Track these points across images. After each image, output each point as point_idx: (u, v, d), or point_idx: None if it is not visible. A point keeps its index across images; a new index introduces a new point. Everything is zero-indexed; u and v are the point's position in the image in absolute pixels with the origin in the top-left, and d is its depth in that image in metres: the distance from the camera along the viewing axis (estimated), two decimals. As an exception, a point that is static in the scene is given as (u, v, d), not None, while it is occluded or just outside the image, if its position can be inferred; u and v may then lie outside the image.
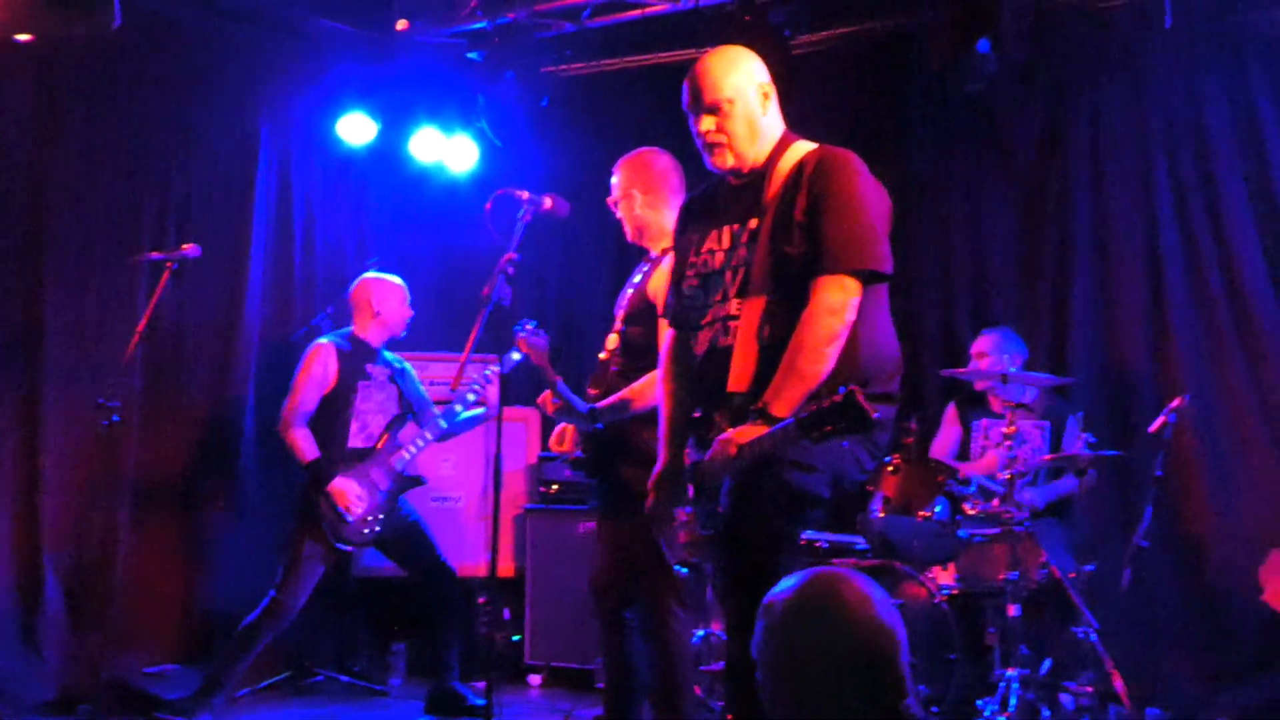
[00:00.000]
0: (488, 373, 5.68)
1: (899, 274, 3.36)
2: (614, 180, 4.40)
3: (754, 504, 3.19)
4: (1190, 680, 5.75)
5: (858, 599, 2.39)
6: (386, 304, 5.89)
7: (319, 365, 5.73)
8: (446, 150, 7.04)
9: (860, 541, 5.62)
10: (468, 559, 6.66)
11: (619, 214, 4.41)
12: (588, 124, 7.39)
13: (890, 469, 5.44)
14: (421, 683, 6.15)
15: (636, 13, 6.48)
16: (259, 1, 6.62)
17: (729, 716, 3.32)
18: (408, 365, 6.05)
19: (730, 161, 3.44)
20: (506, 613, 6.81)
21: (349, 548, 5.67)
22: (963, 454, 6.01)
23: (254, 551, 6.38)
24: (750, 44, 3.87)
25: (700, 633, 5.14)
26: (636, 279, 4.31)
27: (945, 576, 5.49)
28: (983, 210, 6.72)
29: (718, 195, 3.57)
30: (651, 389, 3.94)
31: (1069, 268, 6.39)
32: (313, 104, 6.91)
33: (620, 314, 4.31)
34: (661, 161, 4.36)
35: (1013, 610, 5.05)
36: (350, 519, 5.57)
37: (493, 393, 5.70)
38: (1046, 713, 5.07)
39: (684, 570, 4.17)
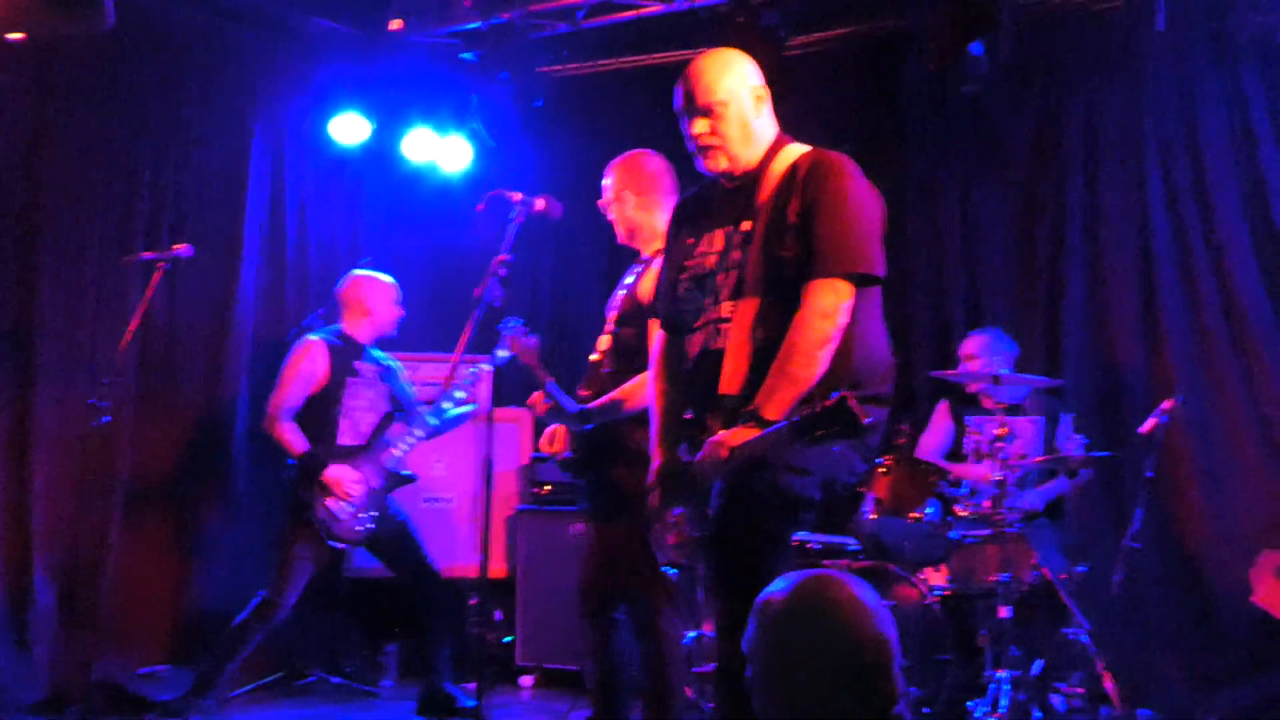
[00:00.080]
0: (475, 371, 5.67)
1: (892, 276, 3.36)
2: (606, 182, 4.40)
3: (745, 506, 3.19)
4: (1181, 681, 5.76)
5: (853, 603, 2.40)
6: (377, 302, 5.88)
7: (308, 362, 5.71)
8: (440, 150, 7.03)
9: (852, 543, 5.63)
10: (460, 560, 6.65)
11: (611, 216, 4.42)
12: (582, 125, 7.39)
13: (882, 470, 5.44)
14: (413, 684, 6.14)
15: (631, 14, 6.48)
16: (252, 1, 6.61)
17: (720, 717, 3.32)
18: (395, 364, 6.03)
19: (723, 164, 3.44)
20: (498, 614, 6.81)
21: (342, 545, 5.65)
22: (955, 452, 6.02)
23: (246, 551, 6.38)
24: (744, 45, 3.88)
25: (691, 634, 5.14)
26: (628, 281, 4.32)
27: (937, 578, 5.49)
28: (977, 212, 6.73)
29: (711, 198, 3.57)
30: (642, 390, 3.94)
31: (1062, 269, 6.40)
32: (306, 103, 6.89)
33: (612, 315, 4.32)
34: (654, 164, 4.36)
35: (1004, 611, 5.05)
36: (343, 515, 5.56)
37: (482, 391, 5.70)
38: (1038, 714, 5.08)
39: (674, 572, 4.19)
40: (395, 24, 6.59)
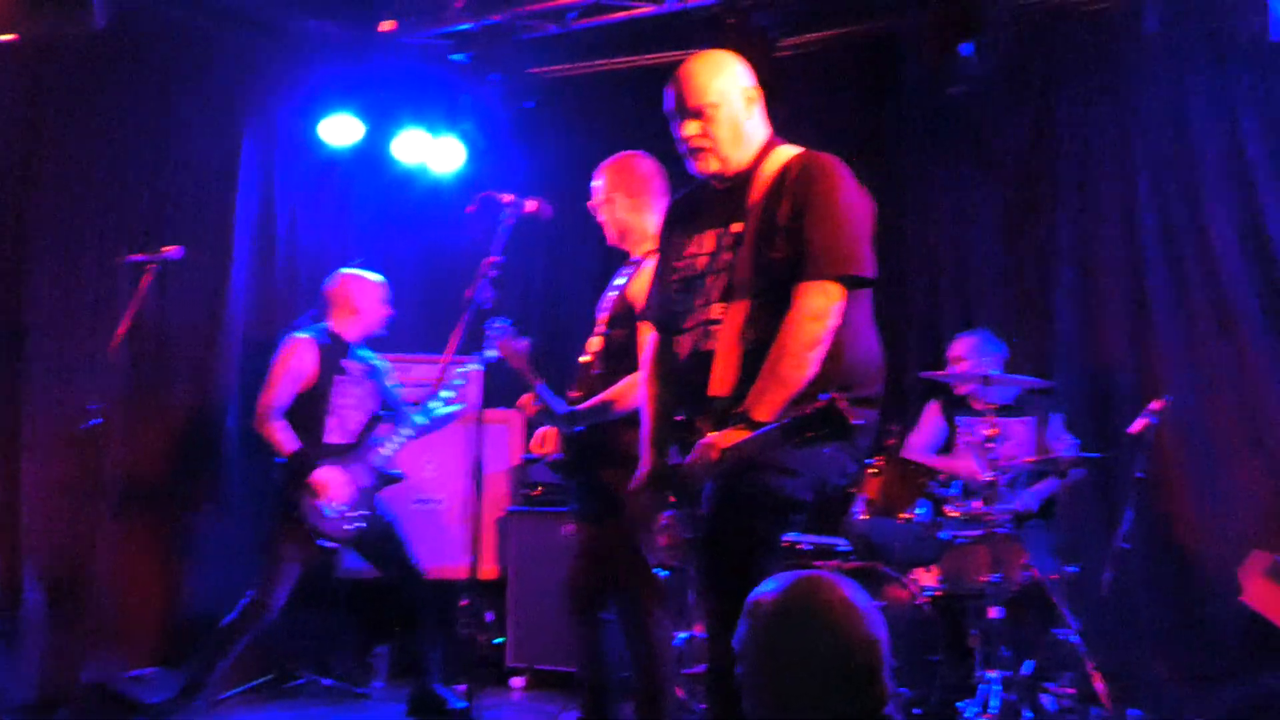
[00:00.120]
0: (465, 372, 5.66)
1: (883, 277, 3.37)
2: (597, 184, 4.41)
3: (735, 508, 3.19)
4: (1171, 681, 5.77)
5: (843, 604, 2.41)
6: (365, 301, 5.87)
7: (296, 359, 5.70)
8: (431, 152, 7.02)
9: (843, 543, 5.64)
10: (450, 561, 6.64)
11: (602, 217, 4.42)
12: (573, 126, 7.40)
13: (873, 471, 5.46)
14: (404, 685, 6.12)
15: (621, 15, 6.48)
16: (243, 2, 6.60)
17: (710, 718, 3.32)
18: (381, 363, 6.02)
19: (714, 166, 3.44)
20: (489, 615, 6.80)
21: (331, 544, 5.64)
22: (946, 451, 6.03)
23: (236, 553, 6.35)
24: (735, 46, 3.88)
25: (682, 635, 5.15)
26: (619, 282, 4.32)
27: (928, 578, 5.50)
28: (967, 213, 6.75)
29: (702, 199, 3.57)
30: (633, 391, 3.95)
31: (1052, 270, 6.42)
32: (296, 105, 6.88)
33: (602, 317, 4.32)
34: (644, 165, 4.36)
35: (994, 612, 5.06)
36: (331, 514, 5.55)
37: (470, 392, 5.69)
38: (1028, 714, 5.09)
39: (665, 573, 4.19)
40: (386, 25, 6.59)
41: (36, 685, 5.67)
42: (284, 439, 5.57)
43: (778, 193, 3.31)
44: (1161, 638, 5.88)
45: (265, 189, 6.95)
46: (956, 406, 6.06)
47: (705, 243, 3.46)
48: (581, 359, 4.37)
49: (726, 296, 3.33)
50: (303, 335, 5.78)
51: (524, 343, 4.25)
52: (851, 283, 3.24)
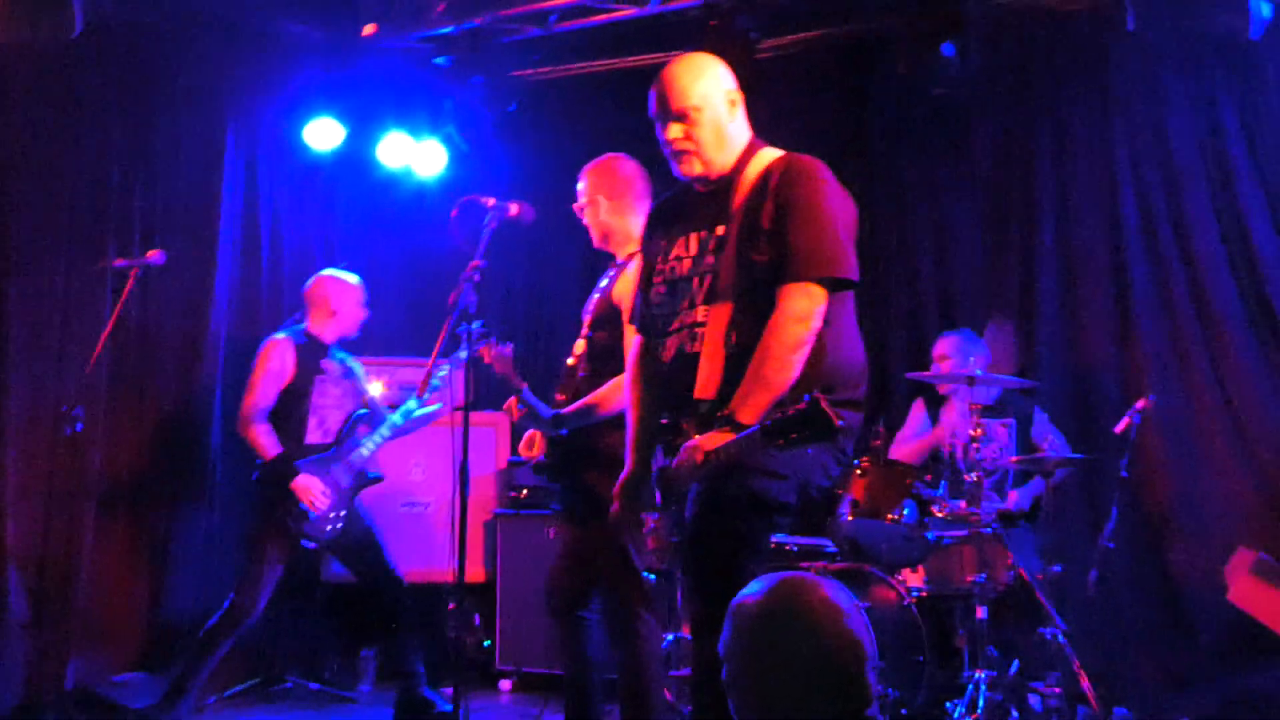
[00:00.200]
0: (443, 374, 5.65)
1: (865, 279, 3.37)
2: (580, 186, 4.41)
3: (720, 510, 3.20)
4: (1157, 680, 5.79)
5: (827, 606, 2.41)
6: (342, 302, 5.86)
7: (276, 360, 5.70)
8: (414, 155, 7.02)
9: (829, 544, 5.65)
10: (438, 564, 6.65)
11: (585, 219, 4.42)
12: (555, 128, 7.39)
13: (859, 472, 5.46)
14: (391, 688, 6.10)
15: (603, 17, 6.47)
16: (224, 5, 6.58)
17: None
18: (357, 365, 6.02)
19: (698, 169, 3.45)
20: (477, 618, 6.80)
21: (313, 545, 5.63)
22: (933, 453, 6.05)
23: (221, 556, 6.36)
24: (716, 48, 3.89)
25: (670, 637, 5.15)
26: (603, 284, 4.32)
27: (914, 579, 5.51)
28: (948, 213, 6.76)
29: (685, 202, 3.58)
30: (617, 394, 3.95)
31: (1034, 269, 6.44)
32: (279, 109, 6.87)
33: (587, 319, 4.32)
34: (627, 167, 4.37)
35: (981, 612, 5.08)
36: (313, 514, 5.54)
37: (448, 393, 5.69)
38: (1015, 714, 5.10)
39: (651, 576, 4.19)
40: (368, 29, 6.58)
41: (21, 689, 5.64)
42: (266, 443, 5.56)
43: (761, 195, 3.32)
44: (1147, 636, 5.90)
45: (249, 193, 6.93)
46: (940, 406, 6.07)
47: (689, 246, 3.47)
48: (567, 362, 4.37)
49: (710, 299, 3.34)
50: (280, 336, 5.79)
51: (508, 347, 4.26)
52: (834, 285, 3.25)
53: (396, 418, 5.83)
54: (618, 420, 3.79)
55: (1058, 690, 5.23)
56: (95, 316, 5.93)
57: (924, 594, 5.43)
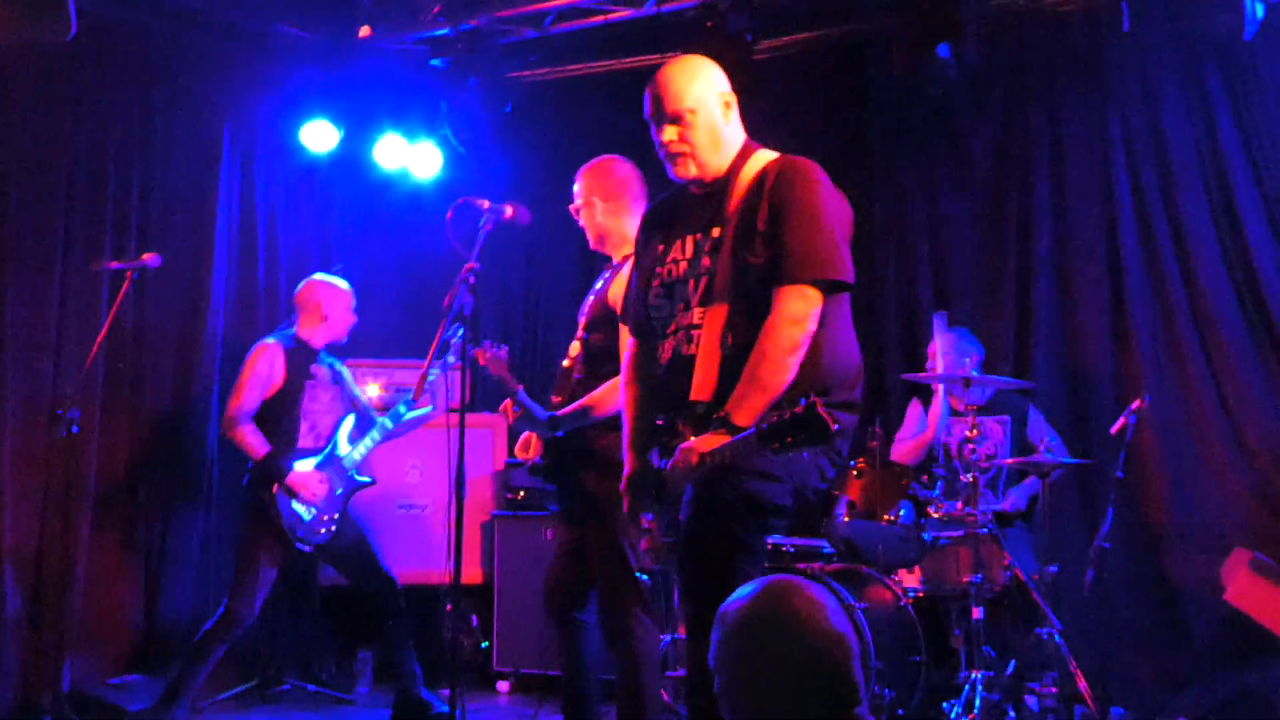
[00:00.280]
0: (430, 376, 5.64)
1: (861, 279, 3.38)
2: (576, 188, 4.41)
3: (715, 512, 3.20)
4: (1153, 680, 5.80)
5: (810, 607, 2.41)
6: (333, 308, 5.86)
7: (264, 364, 5.69)
8: (410, 157, 7.02)
9: (826, 545, 5.65)
10: (435, 565, 6.65)
11: (581, 221, 4.42)
12: (551, 129, 7.40)
13: (855, 474, 5.47)
14: (388, 690, 6.12)
15: (599, 19, 6.47)
16: (219, 8, 6.58)
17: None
18: (345, 370, 6.03)
19: (693, 171, 3.45)
20: (474, 619, 6.80)
21: (306, 547, 5.62)
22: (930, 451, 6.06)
23: (217, 559, 6.35)
24: (711, 49, 3.90)
25: (667, 638, 5.15)
26: (598, 286, 4.32)
27: (910, 580, 5.53)
28: (944, 214, 6.76)
29: (680, 204, 3.58)
30: (612, 396, 3.96)
31: (1030, 270, 6.44)
32: (275, 111, 6.86)
33: (582, 321, 4.32)
34: (622, 169, 4.37)
35: (977, 612, 5.08)
36: (305, 516, 5.54)
37: (440, 396, 5.69)
38: (1011, 714, 5.11)
39: (646, 577, 4.19)
40: (364, 31, 6.58)
41: (17, 692, 5.66)
42: (254, 442, 5.56)
43: (756, 197, 3.32)
44: (1143, 636, 5.91)
45: (245, 195, 6.94)
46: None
47: (685, 248, 3.46)
48: (562, 364, 4.37)
49: (706, 301, 3.34)
50: (269, 341, 5.78)
51: (502, 349, 4.26)
52: (829, 287, 3.25)
53: (386, 421, 5.83)
54: (613, 422, 3.79)
55: (1054, 690, 5.24)
56: (91, 318, 5.94)
57: (920, 594, 5.44)
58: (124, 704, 5.63)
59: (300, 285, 5.94)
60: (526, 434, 4.46)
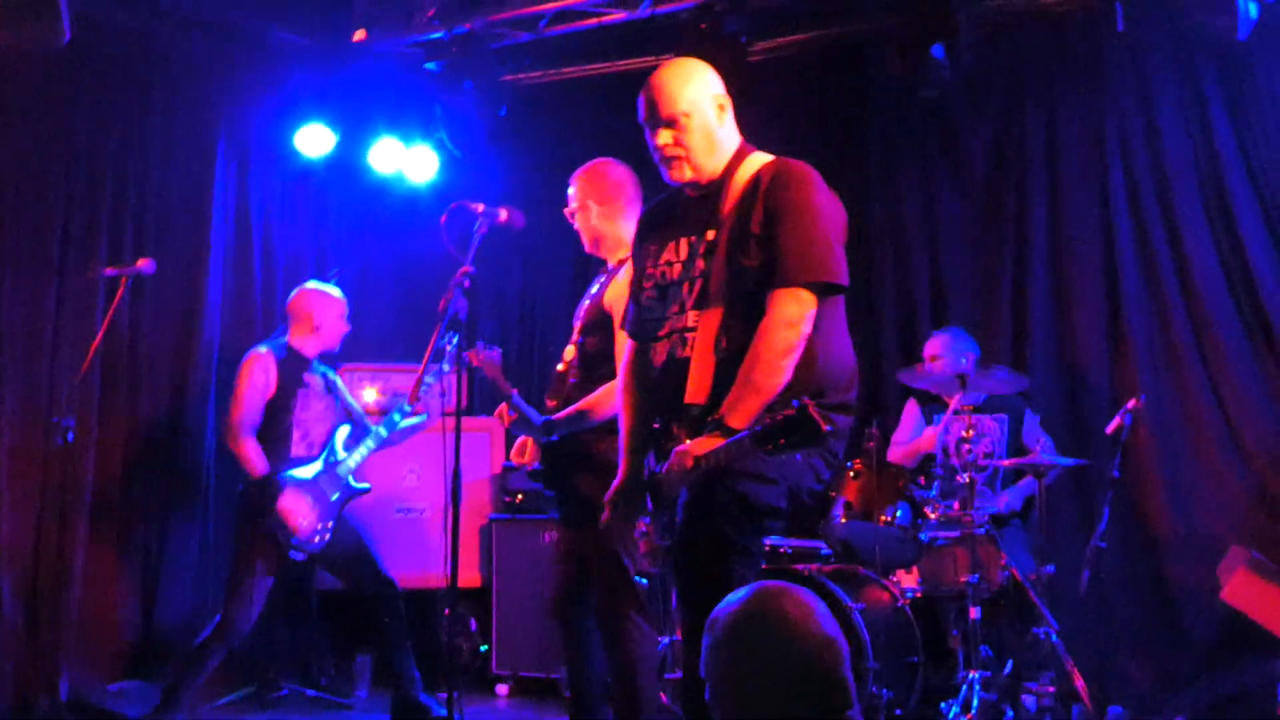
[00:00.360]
0: (428, 383, 5.64)
1: (857, 280, 3.38)
2: (571, 191, 4.41)
3: (710, 515, 3.20)
4: (1150, 679, 5.81)
5: (799, 612, 2.42)
6: (325, 317, 5.83)
7: (259, 372, 5.67)
8: (405, 160, 7.02)
9: (823, 547, 5.65)
10: (433, 569, 6.64)
11: (576, 225, 4.42)
12: (546, 132, 7.39)
13: (852, 475, 5.47)
14: (387, 694, 6.11)
15: (593, 21, 6.47)
16: (214, 12, 6.58)
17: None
18: (337, 377, 6.02)
19: (688, 174, 3.45)
20: (473, 623, 6.80)
21: (301, 556, 5.61)
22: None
23: (214, 565, 6.34)
24: (706, 52, 3.89)
25: (665, 640, 5.15)
26: (594, 290, 4.32)
27: (908, 580, 5.53)
28: (939, 215, 6.77)
29: (675, 207, 3.58)
30: (608, 399, 3.96)
31: (1026, 270, 6.45)
32: (270, 115, 6.86)
33: (578, 325, 4.32)
34: (617, 172, 4.37)
35: (974, 613, 5.09)
36: (300, 536, 5.53)
37: (435, 402, 5.69)
38: (1009, 714, 5.11)
39: (644, 581, 4.19)
40: (358, 35, 6.58)
41: (15, 699, 5.64)
42: (255, 460, 5.54)
43: (750, 200, 3.32)
44: (1140, 635, 5.91)
45: (240, 200, 6.93)
46: (932, 405, 6.09)
47: (679, 250, 3.47)
48: (557, 368, 4.37)
49: (701, 304, 3.34)
50: (261, 350, 5.76)
51: (496, 352, 4.26)
52: (824, 289, 3.25)
53: (381, 429, 5.81)
54: (610, 426, 3.79)
55: (1051, 690, 5.25)
56: (86, 325, 5.93)
57: (918, 595, 5.44)
58: (122, 710, 5.62)
59: (292, 294, 5.92)
60: (522, 438, 4.46)
